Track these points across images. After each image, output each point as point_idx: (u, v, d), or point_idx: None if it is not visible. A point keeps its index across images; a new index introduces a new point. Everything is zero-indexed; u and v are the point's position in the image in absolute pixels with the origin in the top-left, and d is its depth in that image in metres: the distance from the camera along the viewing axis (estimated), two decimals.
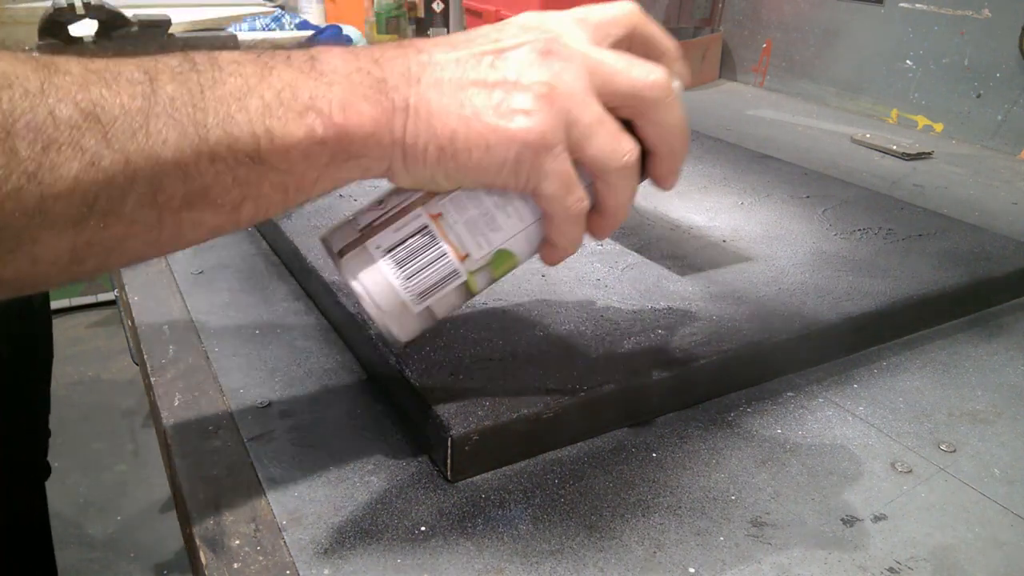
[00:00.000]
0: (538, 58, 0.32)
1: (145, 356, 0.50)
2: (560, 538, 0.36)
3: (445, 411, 0.40)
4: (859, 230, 0.66)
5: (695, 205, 0.72)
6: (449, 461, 0.39)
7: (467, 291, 0.36)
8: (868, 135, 1.05)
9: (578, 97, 0.32)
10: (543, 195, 0.33)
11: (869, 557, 0.36)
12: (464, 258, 0.35)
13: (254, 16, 1.50)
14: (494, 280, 0.37)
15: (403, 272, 0.34)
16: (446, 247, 0.34)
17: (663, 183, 0.37)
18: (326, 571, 0.34)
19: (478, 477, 0.40)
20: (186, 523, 0.38)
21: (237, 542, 0.36)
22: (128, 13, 0.99)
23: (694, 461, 0.42)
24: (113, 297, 2.12)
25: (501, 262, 0.36)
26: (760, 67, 1.39)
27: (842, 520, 0.38)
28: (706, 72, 1.42)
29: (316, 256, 0.57)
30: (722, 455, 0.43)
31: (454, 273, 0.35)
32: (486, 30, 0.34)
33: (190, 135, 0.28)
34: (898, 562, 0.36)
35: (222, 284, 0.59)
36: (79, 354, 2.16)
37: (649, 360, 0.45)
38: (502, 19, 1.54)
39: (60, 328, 2.27)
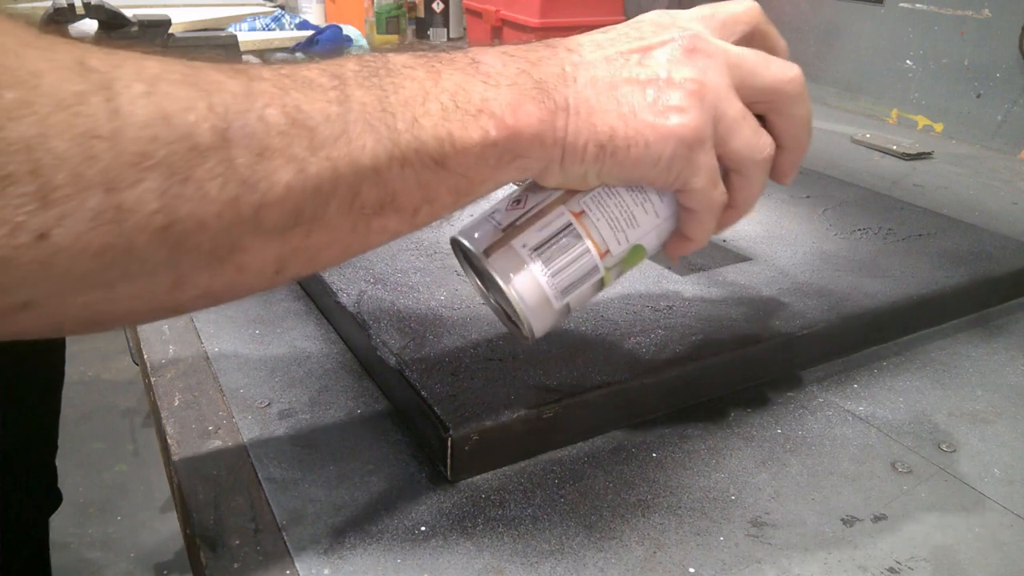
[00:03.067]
0: (684, 55, 0.33)
1: (145, 356, 0.50)
2: (560, 538, 0.36)
3: (445, 411, 0.40)
4: (859, 230, 0.66)
5: None
6: (449, 461, 0.39)
7: (601, 286, 0.38)
8: (868, 135, 1.05)
9: (723, 93, 0.33)
10: (692, 189, 0.34)
11: (869, 557, 0.36)
12: (604, 254, 0.36)
13: (254, 16, 1.51)
14: (622, 274, 0.38)
15: (549, 269, 0.35)
16: (589, 244, 0.36)
17: (785, 178, 0.39)
18: (326, 571, 0.34)
19: (478, 477, 0.40)
20: (186, 523, 0.38)
21: (237, 542, 0.36)
22: (128, 13, 0.99)
23: (694, 461, 0.42)
24: None
25: (634, 257, 0.38)
26: None
27: (842, 520, 0.38)
28: None
29: None
30: (722, 455, 0.43)
31: (595, 269, 0.36)
32: (624, 28, 0.35)
33: (384, 140, 0.28)
34: (898, 562, 0.36)
35: None
36: (79, 354, 2.16)
37: (649, 360, 0.45)
38: (502, 19, 1.53)
39: None
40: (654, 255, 0.39)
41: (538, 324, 0.36)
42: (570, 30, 1.35)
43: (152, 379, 0.48)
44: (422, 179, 0.29)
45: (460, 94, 0.30)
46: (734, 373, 0.48)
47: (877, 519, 0.39)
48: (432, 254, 0.58)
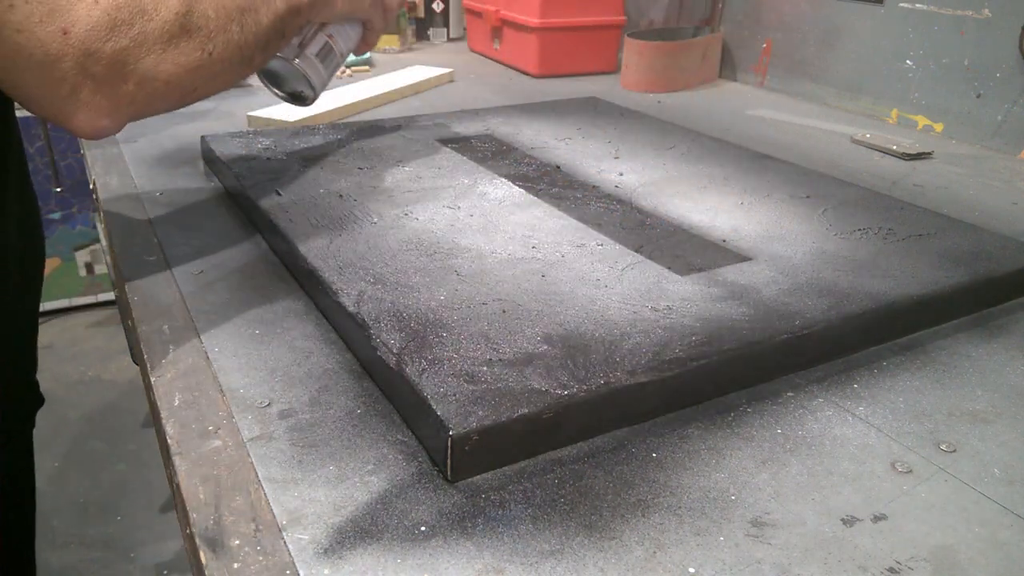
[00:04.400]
0: None
1: (145, 356, 0.50)
2: (560, 538, 0.36)
3: (445, 411, 0.40)
4: (859, 230, 0.66)
5: (695, 205, 0.72)
6: (449, 461, 0.39)
7: (336, 69, 0.74)
8: (868, 135, 1.05)
9: None
10: (374, 20, 0.74)
11: (869, 557, 0.36)
12: (340, 55, 0.73)
13: None
14: (343, 63, 0.75)
15: (323, 64, 0.72)
16: (336, 51, 0.73)
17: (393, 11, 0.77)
18: (326, 571, 0.34)
19: (478, 477, 0.40)
20: (186, 523, 0.38)
21: (237, 542, 0.36)
22: None
23: (694, 461, 0.42)
24: (113, 297, 2.12)
25: (347, 53, 0.75)
26: (760, 67, 1.39)
27: (842, 520, 0.38)
28: (706, 72, 1.42)
29: (316, 256, 0.57)
30: (722, 455, 0.43)
31: (338, 62, 0.74)
32: None
33: (280, 7, 0.59)
34: (898, 562, 0.36)
35: (222, 284, 0.59)
36: (79, 354, 2.16)
37: (649, 360, 0.45)
38: (502, 19, 1.54)
39: (60, 328, 2.27)
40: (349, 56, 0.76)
41: (319, 90, 0.74)
42: (570, 30, 1.37)
43: (152, 379, 0.48)
44: (292, 22, 0.61)
45: None
46: (734, 373, 0.48)
47: (877, 519, 0.39)
48: (432, 254, 0.58)
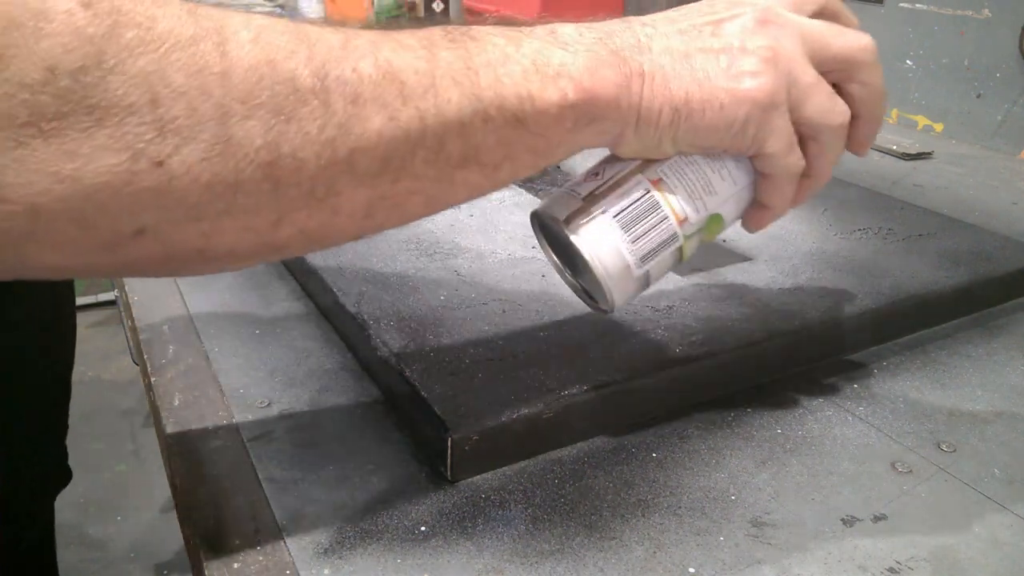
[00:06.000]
0: (757, 26, 0.34)
1: (145, 356, 0.50)
2: (560, 538, 0.36)
3: (445, 411, 0.40)
4: (859, 230, 0.66)
5: None
6: (449, 461, 0.39)
7: (680, 255, 0.38)
8: None
9: (796, 59, 0.34)
10: (767, 153, 0.36)
11: (869, 557, 0.36)
12: (683, 222, 0.37)
13: None
14: (702, 243, 0.39)
15: (628, 236, 0.36)
16: (668, 211, 0.36)
17: (862, 148, 0.39)
18: (326, 571, 0.34)
19: (478, 477, 0.40)
20: (186, 523, 0.38)
21: (237, 542, 0.36)
22: None
23: (694, 461, 0.42)
24: (113, 297, 2.12)
25: (713, 225, 0.38)
26: None
27: (842, 520, 0.38)
28: None
29: (316, 256, 0.57)
30: (722, 455, 0.43)
31: (673, 236, 0.37)
32: (698, 6, 0.37)
33: (468, 96, 0.30)
34: (898, 562, 0.36)
35: (222, 284, 0.59)
36: (79, 354, 2.16)
37: (649, 360, 0.45)
38: (502, 19, 1.54)
39: None
40: (733, 224, 0.40)
41: (618, 292, 0.37)
42: None
43: (152, 379, 0.48)
44: (502, 136, 0.31)
45: (539, 58, 0.32)
46: (734, 373, 0.48)
47: (877, 519, 0.39)
48: (432, 254, 0.58)
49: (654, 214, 0.36)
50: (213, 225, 0.27)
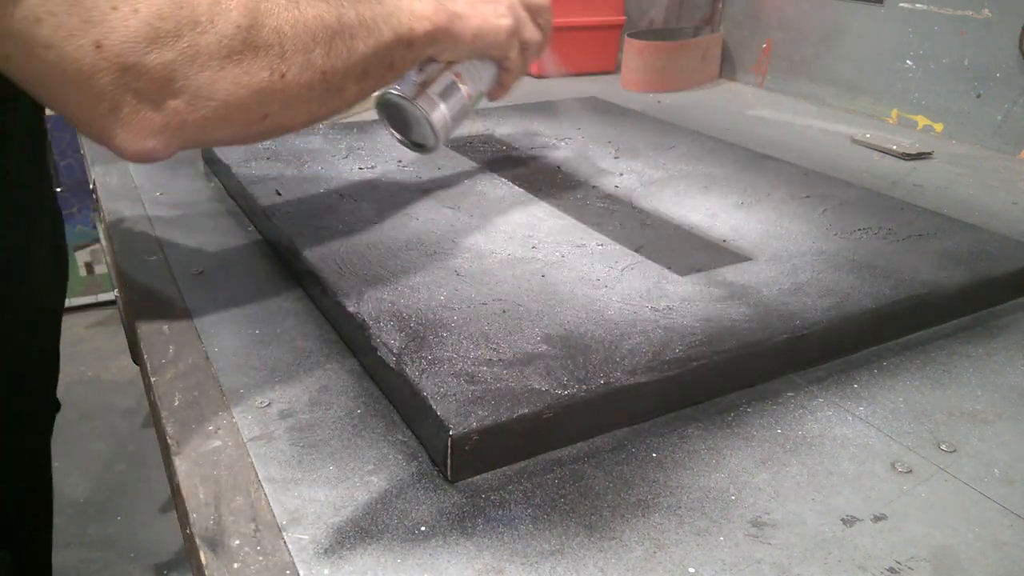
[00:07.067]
0: None
1: (145, 356, 0.50)
2: (560, 538, 0.36)
3: (445, 411, 0.40)
4: (859, 230, 0.66)
5: (695, 205, 0.72)
6: (449, 461, 0.39)
7: (466, 114, 0.66)
8: (868, 135, 1.05)
9: (520, 9, 0.63)
10: (509, 57, 0.64)
11: (869, 557, 0.36)
12: (469, 96, 0.65)
13: None
14: (474, 107, 0.66)
15: (445, 104, 0.63)
16: (463, 90, 0.64)
17: (541, 54, 0.68)
18: (326, 571, 0.34)
19: (478, 477, 0.40)
20: (186, 523, 0.38)
21: (237, 542, 0.36)
22: None
23: (694, 461, 0.42)
24: (113, 297, 2.12)
25: (479, 97, 0.67)
26: (760, 67, 1.39)
27: (842, 520, 0.38)
28: (706, 72, 1.42)
29: (316, 256, 0.57)
30: (722, 455, 0.43)
31: (465, 104, 0.64)
32: None
33: (391, 32, 0.52)
34: (898, 562, 0.36)
35: (222, 284, 0.59)
36: (79, 354, 2.16)
37: (649, 360, 0.45)
38: None
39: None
40: (484, 96, 0.68)
41: (442, 134, 0.64)
42: (570, 30, 1.37)
43: (152, 379, 0.48)
44: (403, 53, 0.54)
45: (412, 7, 0.53)
46: (734, 373, 0.48)
47: (877, 519, 0.39)
48: (432, 254, 0.58)
49: (457, 92, 0.63)
50: (298, 109, 0.48)
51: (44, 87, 0.41)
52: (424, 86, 0.62)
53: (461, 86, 0.63)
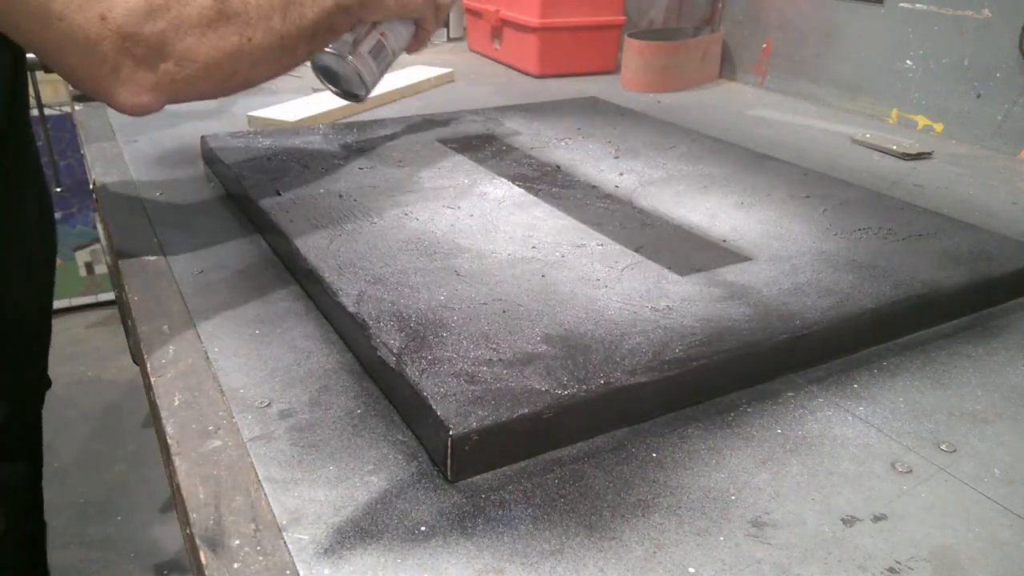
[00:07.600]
0: None
1: (145, 356, 0.50)
2: (560, 538, 0.36)
3: (445, 411, 0.40)
4: (859, 230, 0.66)
5: (695, 205, 0.72)
6: (449, 461, 0.39)
7: (388, 67, 0.78)
8: (868, 135, 1.05)
9: None
10: (426, 18, 0.76)
11: (869, 557, 0.36)
12: (392, 51, 0.76)
13: None
14: (395, 60, 0.78)
15: (374, 59, 0.75)
16: (388, 46, 0.75)
17: (441, 12, 0.77)
18: (326, 571, 0.34)
19: (478, 477, 0.40)
20: (186, 523, 0.38)
21: (237, 542, 0.36)
22: None
23: (694, 461, 0.42)
24: (113, 297, 2.12)
25: (400, 51, 0.78)
26: (760, 67, 1.39)
27: (842, 520, 0.38)
28: (706, 72, 1.42)
29: (316, 256, 0.57)
30: (722, 455, 0.43)
31: (389, 59, 0.77)
32: None
33: (318, 8, 0.61)
34: (898, 562, 0.36)
35: (222, 284, 0.59)
36: (79, 354, 2.16)
37: (649, 360, 0.45)
38: (502, 19, 1.54)
39: (60, 328, 2.27)
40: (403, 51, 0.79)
41: (371, 83, 0.77)
42: (570, 30, 1.37)
43: (152, 379, 0.48)
44: (340, 17, 0.64)
45: None
46: (734, 373, 0.48)
47: (877, 519, 0.39)
48: (432, 254, 0.58)
49: (384, 49, 0.75)
50: (262, 67, 0.59)
51: (54, 52, 0.51)
52: (356, 44, 0.73)
53: (386, 44, 0.75)
